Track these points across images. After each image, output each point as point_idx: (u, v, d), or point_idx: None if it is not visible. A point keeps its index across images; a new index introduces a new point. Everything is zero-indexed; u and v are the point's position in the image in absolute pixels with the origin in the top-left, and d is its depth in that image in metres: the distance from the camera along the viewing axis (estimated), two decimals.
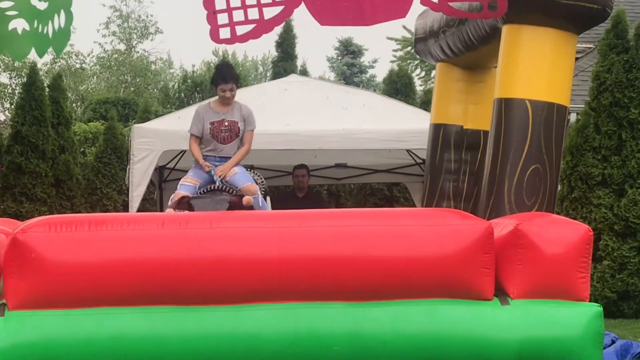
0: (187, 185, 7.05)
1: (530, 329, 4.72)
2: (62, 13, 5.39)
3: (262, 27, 5.47)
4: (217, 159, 7.12)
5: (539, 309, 4.78)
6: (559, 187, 10.22)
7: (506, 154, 6.14)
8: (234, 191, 7.03)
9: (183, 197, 6.93)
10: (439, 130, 8.02)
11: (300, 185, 10.35)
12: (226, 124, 7.15)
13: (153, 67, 35.11)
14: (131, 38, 34.47)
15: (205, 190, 7.03)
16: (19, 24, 5.39)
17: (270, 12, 5.48)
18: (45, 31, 5.37)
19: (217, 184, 7.03)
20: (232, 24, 5.46)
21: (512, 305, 4.77)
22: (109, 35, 34.36)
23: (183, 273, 4.56)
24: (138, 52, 34.73)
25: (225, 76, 7.14)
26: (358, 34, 32.81)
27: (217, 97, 7.27)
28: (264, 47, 55.07)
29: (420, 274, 4.68)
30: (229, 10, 5.47)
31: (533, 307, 4.78)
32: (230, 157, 7.12)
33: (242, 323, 4.59)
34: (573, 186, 10.54)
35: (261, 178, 7.48)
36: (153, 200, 12.53)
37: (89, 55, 33.84)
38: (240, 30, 5.47)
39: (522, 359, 4.70)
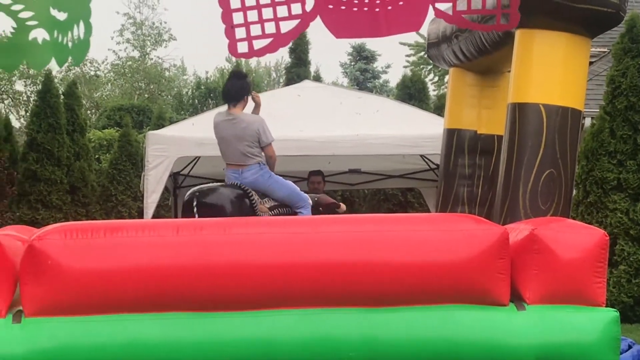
0: None
1: (547, 335, 4.70)
2: (82, 24, 5.41)
3: (279, 41, 5.48)
4: None
5: (555, 315, 4.76)
6: (574, 192, 10.20)
7: (520, 158, 6.11)
8: None
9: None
10: (452, 135, 8.00)
11: (316, 192, 10.34)
12: None
13: (167, 73, 35.28)
14: (145, 45, 34.63)
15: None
16: (39, 34, 5.40)
17: (286, 26, 5.50)
18: (65, 41, 5.38)
19: None
20: (249, 38, 5.48)
21: (528, 311, 4.75)
22: (122, 43, 34.56)
23: (198, 279, 4.56)
24: (152, 59, 34.92)
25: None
26: (371, 40, 32.80)
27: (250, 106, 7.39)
28: (278, 53, 55.12)
29: (435, 280, 4.67)
30: (246, 24, 5.48)
31: (549, 313, 4.76)
32: None
33: (258, 329, 4.59)
34: (588, 191, 10.50)
35: None
36: (168, 207, 12.56)
37: (103, 62, 34.07)
38: (258, 44, 5.48)
39: None
